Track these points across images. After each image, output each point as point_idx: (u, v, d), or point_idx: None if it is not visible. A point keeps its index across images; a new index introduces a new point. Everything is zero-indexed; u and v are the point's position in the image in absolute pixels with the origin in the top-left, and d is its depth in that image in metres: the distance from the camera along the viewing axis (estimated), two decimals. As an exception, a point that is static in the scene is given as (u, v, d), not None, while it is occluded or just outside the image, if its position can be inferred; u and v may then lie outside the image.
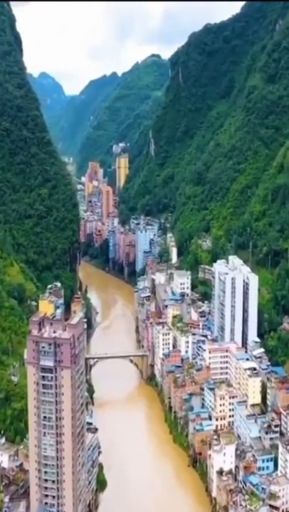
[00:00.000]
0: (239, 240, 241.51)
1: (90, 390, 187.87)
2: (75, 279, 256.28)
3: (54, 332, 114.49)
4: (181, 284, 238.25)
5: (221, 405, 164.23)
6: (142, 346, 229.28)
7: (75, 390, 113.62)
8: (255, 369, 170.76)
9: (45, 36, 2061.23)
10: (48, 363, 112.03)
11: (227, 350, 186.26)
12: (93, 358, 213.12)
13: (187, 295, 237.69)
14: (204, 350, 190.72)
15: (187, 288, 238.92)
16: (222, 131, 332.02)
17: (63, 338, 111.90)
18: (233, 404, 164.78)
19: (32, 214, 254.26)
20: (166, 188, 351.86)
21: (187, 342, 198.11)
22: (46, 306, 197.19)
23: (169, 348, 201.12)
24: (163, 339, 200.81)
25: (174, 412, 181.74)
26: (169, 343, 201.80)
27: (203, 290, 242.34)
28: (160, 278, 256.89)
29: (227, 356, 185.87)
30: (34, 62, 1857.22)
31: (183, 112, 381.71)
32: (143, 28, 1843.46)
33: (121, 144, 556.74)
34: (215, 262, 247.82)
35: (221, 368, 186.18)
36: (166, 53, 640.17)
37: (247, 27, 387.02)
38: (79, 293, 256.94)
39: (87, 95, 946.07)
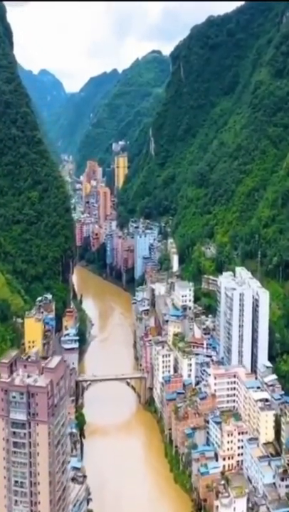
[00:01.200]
0: (246, 249, 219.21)
1: (81, 421, 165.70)
2: (68, 290, 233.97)
3: (28, 377, 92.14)
4: (182, 296, 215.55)
5: (228, 442, 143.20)
6: (140, 365, 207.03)
7: (53, 448, 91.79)
8: (267, 400, 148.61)
9: (45, 34, 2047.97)
10: (20, 416, 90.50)
11: (235, 376, 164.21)
12: (86, 381, 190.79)
13: (189, 308, 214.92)
14: (209, 374, 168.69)
15: (189, 301, 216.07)
16: (226, 129, 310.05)
17: (39, 387, 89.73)
18: (242, 441, 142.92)
19: (21, 219, 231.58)
20: (167, 189, 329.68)
21: (190, 365, 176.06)
22: (33, 325, 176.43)
23: (169, 371, 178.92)
24: (163, 361, 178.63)
25: (176, 447, 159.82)
26: (169, 366, 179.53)
27: (206, 303, 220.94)
28: (160, 289, 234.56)
29: (235, 382, 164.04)
30: (34, 59, 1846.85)
31: (184, 109, 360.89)
32: (143, 24, 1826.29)
33: (121, 142, 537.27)
34: (219, 271, 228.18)
35: (228, 396, 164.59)
36: (167, 49, 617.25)
37: (252, 19, 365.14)
38: (72, 305, 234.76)
39: (87, 92, 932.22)
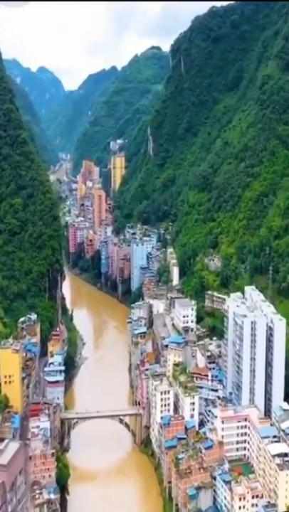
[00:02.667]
0: (255, 263, 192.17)
1: (65, 474, 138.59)
2: (56, 309, 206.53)
3: None
4: (184, 316, 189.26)
5: (240, 508, 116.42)
6: (135, 398, 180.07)
7: None
8: (286, 455, 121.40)
9: (44, 31, 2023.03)
10: None
11: (246, 419, 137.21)
12: (73, 419, 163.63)
13: (191, 330, 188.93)
14: (215, 416, 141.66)
15: (192, 321, 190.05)
16: (231, 127, 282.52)
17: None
18: (256, 505, 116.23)
19: (2, 229, 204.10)
20: (167, 192, 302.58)
21: (192, 404, 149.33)
22: (9, 357, 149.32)
23: (168, 410, 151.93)
24: (162, 399, 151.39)
25: (176, 505, 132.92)
26: (168, 404, 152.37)
27: (210, 323, 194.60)
28: (159, 306, 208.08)
29: (246, 427, 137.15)
30: (33, 56, 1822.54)
31: (185, 106, 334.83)
32: (142, 20, 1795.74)
33: (119, 141, 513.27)
34: (225, 287, 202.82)
35: (238, 443, 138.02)
36: (167, 46, 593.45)
37: (257, 10, 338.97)
38: (60, 325, 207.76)
39: (85, 90, 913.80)
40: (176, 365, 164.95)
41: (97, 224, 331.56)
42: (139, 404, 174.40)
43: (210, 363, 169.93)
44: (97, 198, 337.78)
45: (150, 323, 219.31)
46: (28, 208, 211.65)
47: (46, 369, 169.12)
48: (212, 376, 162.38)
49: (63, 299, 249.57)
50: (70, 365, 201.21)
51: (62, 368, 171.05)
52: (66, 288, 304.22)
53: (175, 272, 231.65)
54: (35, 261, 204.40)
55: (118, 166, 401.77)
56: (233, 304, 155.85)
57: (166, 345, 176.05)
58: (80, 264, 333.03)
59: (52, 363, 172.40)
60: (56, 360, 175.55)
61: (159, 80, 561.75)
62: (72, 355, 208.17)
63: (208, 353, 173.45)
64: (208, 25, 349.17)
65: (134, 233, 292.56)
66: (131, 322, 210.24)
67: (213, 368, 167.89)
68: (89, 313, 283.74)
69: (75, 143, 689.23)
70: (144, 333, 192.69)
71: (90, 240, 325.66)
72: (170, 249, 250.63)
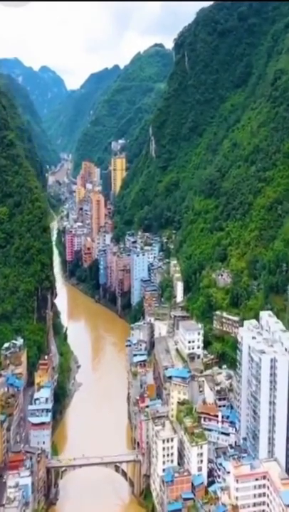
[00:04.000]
0: (270, 280, 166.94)
1: None
2: (45, 331, 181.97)
3: None
4: (189, 342, 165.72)
5: None
6: (134, 439, 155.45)
7: None
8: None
9: (47, 30, 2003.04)
10: None
11: (265, 477, 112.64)
12: (61, 467, 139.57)
13: (198, 357, 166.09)
14: (227, 472, 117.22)
15: (198, 347, 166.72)
16: (239, 127, 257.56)
17: None
18: None
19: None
20: (170, 198, 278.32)
21: (200, 454, 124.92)
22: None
23: (172, 461, 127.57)
24: (164, 448, 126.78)
25: None
26: (172, 453, 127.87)
27: (220, 349, 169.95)
28: (161, 328, 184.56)
29: (265, 486, 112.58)
30: (35, 56, 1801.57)
31: (190, 104, 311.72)
32: (144, 17, 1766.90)
33: (120, 141, 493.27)
34: (235, 306, 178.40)
35: (255, 505, 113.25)
36: (170, 43, 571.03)
37: (266, 2, 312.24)
38: (52, 349, 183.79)
39: (87, 89, 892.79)
40: (180, 403, 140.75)
41: (95, 231, 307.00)
42: (138, 445, 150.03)
43: (220, 399, 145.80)
44: (95, 203, 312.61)
45: (151, 345, 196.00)
46: (15, 218, 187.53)
47: (30, 407, 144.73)
48: (223, 417, 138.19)
49: (57, 315, 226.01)
50: (61, 396, 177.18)
51: (50, 405, 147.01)
52: (62, 300, 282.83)
53: (179, 287, 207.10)
54: (22, 278, 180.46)
55: (119, 167, 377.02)
56: (247, 336, 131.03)
57: (170, 377, 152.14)
58: (77, 273, 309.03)
59: (38, 399, 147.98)
60: (43, 395, 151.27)
61: (162, 78, 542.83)
62: (63, 383, 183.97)
63: (218, 387, 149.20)
64: (214, 18, 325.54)
65: (134, 241, 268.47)
66: (130, 345, 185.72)
67: (224, 406, 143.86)
68: (86, 329, 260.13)
69: (76, 143, 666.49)
70: (144, 361, 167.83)
71: (88, 248, 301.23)
72: (174, 261, 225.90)
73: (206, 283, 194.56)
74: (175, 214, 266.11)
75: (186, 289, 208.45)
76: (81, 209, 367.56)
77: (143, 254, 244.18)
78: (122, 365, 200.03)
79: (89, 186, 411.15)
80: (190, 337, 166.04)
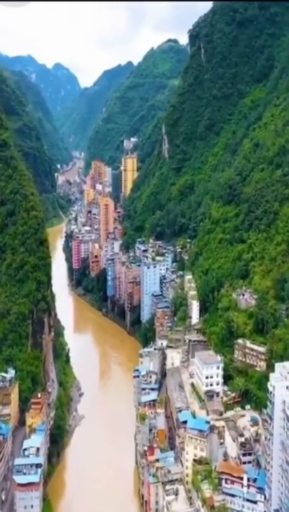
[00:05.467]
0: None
1: None
2: (41, 360, 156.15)
3: None
4: (207, 378, 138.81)
5: None
6: (142, 495, 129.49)
7: None
8: None
9: (60, 28, 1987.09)
10: None
11: None
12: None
13: (217, 395, 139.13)
14: None
15: (217, 384, 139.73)
16: (261, 125, 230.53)
17: None
18: None
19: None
20: (184, 202, 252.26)
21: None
22: None
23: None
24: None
25: None
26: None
27: (242, 385, 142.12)
28: (174, 357, 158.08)
29: None
30: (49, 53, 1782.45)
31: (206, 100, 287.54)
32: (157, 12, 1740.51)
33: (133, 139, 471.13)
34: (260, 333, 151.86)
35: None
36: (185, 39, 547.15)
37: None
38: (51, 378, 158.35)
39: (100, 86, 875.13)
40: (197, 461, 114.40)
41: (103, 237, 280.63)
42: (145, 503, 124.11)
43: (244, 454, 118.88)
44: (104, 208, 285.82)
45: (163, 373, 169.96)
46: (7, 229, 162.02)
47: (17, 462, 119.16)
48: (248, 480, 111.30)
49: (58, 335, 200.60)
50: (59, 436, 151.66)
51: (41, 459, 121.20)
52: (68, 311, 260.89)
53: (194, 307, 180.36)
54: (15, 299, 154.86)
55: (130, 168, 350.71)
56: (280, 386, 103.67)
57: (184, 422, 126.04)
58: (84, 283, 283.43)
59: (27, 450, 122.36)
60: (34, 443, 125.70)
61: (175, 74, 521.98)
62: (62, 418, 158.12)
63: (242, 438, 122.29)
64: (232, 7, 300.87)
65: (145, 250, 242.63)
66: (138, 376, 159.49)
67: (249, 462, 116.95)
68: (91, 346, 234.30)
69: (88, 141, 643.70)
70: (154, 400, 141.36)
71: (96, 256, 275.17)
72: (188, 276, 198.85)
73: (225, 304, 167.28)
74: (190, 221, 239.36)
75: (203, 309, 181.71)
76: (90, 212, 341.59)
77: (154, 266, 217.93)
78: (130, 391, 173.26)
79: (99, 187, 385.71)
80: (208, 372, 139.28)
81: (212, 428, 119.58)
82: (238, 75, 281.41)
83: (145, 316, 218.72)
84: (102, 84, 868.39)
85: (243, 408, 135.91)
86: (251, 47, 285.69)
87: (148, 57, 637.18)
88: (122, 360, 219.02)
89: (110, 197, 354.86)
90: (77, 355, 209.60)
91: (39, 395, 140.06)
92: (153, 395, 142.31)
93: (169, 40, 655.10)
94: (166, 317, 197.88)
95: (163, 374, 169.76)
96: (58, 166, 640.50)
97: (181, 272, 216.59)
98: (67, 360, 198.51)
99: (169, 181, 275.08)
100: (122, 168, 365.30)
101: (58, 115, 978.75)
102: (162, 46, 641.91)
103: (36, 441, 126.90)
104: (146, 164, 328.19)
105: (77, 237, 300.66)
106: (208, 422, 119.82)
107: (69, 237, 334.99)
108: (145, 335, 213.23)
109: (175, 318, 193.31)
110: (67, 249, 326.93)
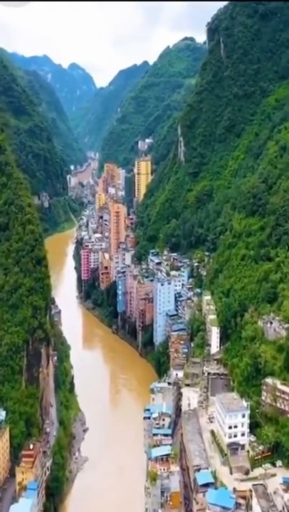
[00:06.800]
0: None
1: None
2: (37, 397, 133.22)
3: None
4: (230, 427, 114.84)
5: None
6: None
7: None
8: None
9: (75, 28, 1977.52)
10: None
11: None
12: None
13: (242, 448, 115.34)
14: None
15: (242, 435, 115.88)
16: (288, 126, 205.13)
17: None
18: None
19: None
20: (202, 211, 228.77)
21: None
22: None
23: None
24: None
25: None
26: None
27: (272, 436, 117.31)
28: (191, 398, 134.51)
29: None
30: (64, 53, 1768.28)
31: (226, 99, 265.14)
32: (173, 11, 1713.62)
33: (148, 140, 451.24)
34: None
35: None
36: (202, 37, 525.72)
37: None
38: (50, 415, 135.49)
39: (116, 86, 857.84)
40: None
41: (113, 247, 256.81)
42: None
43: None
44: (114, 215, 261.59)
45: (177, 413, 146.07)
46: (0, 245, 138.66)
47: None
48: None
49: (61, 360, 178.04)
50: (56, 489, 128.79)
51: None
52: (77, 326, 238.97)
53: (214, 334, 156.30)
54: (7, 327, 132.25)
55: (143, 171, 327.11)
56: None
57: (204, 485, 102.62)
58: (93, 295, 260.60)
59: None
60: (23, 508, 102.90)
61: (192, 73, 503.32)
62: (61, 464, 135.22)
63: (274, 510, 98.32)
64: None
65: (159, 263, 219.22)
66: (149, 418, 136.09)
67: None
68: (99, 367, 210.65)
69: (102, 142, 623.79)
70: (168, 455, 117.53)
71: (106, 267, 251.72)
72: (207, 296, 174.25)
73: (250, 333, 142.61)
74: (208, 232, 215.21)
75: (223, 336, 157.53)
76: (101, 217, 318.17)
77: (169, 283, 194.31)
78: (141, 424, 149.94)
79: (111, 191, 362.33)
80: (231, 421, 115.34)
81: (238, 504, 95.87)
82: (260, 72, 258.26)
83: (158, 337, 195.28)
84: (118, 84, 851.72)
85: (274, 465, 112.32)
86: (275, 41, 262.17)
87: (164, 55, 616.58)
88: (133, 384, 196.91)
89: (123, 201, 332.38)
90: (84, 377, 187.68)
91: (31, 446, 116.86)
92: (165, 449, 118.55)
93: (186, 39, 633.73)
94: (181, 342, 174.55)
95: (178, 412, 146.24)
96: (72, 167, 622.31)
97: (198, 290, 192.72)
98: (71, 389, 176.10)
99: (185, 187, 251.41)
100: (135, 171, 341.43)
101: (73, 115, 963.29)
102: (178, 44, 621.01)
103: (25, 507, 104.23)
104: (161, 168, 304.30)
105: (87, 245, 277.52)
106: (233, 497, 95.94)
107: (79, 244, 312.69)
108: (158, 359, 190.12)
109: (192, 344, 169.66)
110: (77, 256, 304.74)
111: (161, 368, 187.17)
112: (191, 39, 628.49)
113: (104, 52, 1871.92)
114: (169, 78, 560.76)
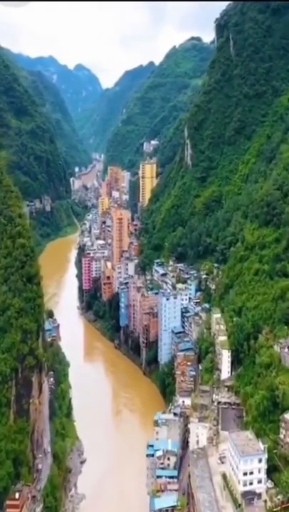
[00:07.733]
0: None
1: None
2: (27, 433, 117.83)
3: None
4: (245, 474, 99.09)
5: None
6: None
7: None
8: None
9: (81, 28, 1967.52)
10: None
11: None
12: None
13: (259, 497, 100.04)
14: None
15: (259, 482, 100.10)
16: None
17: None
18: None
19: None
20: (210, 218, 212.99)
21: None
22: None
23: None
24: None
25: None
26: None
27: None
28: (199, 434, 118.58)
29: None
30: (70, 53, 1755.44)
31: (235, 99, 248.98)
32: (179, 11, 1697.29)
33: (153, 142, 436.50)
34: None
35: None
36: (209, 37, 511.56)
37: None
38: (38, 462, 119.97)
39: (121, 87, 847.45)
40: None
41: (116, 255, 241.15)
42: None
43: None
44: (117, 222, 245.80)
45: (185, 444, 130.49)
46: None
47: None
48: None
49: (58, 382, 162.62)
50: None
51: None
52: (78, 338, 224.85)
53: (225, 358, 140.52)
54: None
55: (148, 175, 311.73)
56: None
57: None
58: (94, 306, 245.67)
59: None
60: None
61: (199, 73, 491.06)
62: (54, 507, 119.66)
63: None
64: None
65: (164, 274, 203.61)
66: (152, 455, 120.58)
67: None
68: (100, 386, 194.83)
69: (107, 143, 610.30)
70: (174, 507, 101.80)
71: (108, 277, 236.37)
72: (216, 315, 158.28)
73: (265, 358, 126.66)
74: (217, 241, 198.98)
75: (235, 359, 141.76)
76: (104, 223, 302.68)
77: (175, 297, 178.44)
78: (144, 450, 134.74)
79: (115, 194, 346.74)
80: (246, 467, 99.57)
81: None
82: (272, 70, 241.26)
83: (163, 356, 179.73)
84: (123, 84, 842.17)
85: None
86: (288, 38, 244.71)
87: (170, 55, 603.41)
88: (136, 404, 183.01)
89: (127, 206, 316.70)
90: (84, 396, 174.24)
91: (17, 495, 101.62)
92: (171, 500, 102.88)
93: (192, 38, 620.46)
94: (188, 363, 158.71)
95: (184, 445, 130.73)
96: (77, 169, 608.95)
97: (206, 305, 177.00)
98: (68, 414, 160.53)
99: (192, 193, 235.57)
100: (140, 174, 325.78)
101: (78, 116, 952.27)
102: (185, 44, 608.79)
103: None
104: (167, 172, 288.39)
105: (88, 253, 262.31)
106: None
107: (81, 250, 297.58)
108: (163, 380, 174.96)
109: (200, 367, 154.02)
110: (79, 264, 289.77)
111: (166, 390, 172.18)
112: (198, 39, 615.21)
113: (110, 53, 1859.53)
114: (175, 79, 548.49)
